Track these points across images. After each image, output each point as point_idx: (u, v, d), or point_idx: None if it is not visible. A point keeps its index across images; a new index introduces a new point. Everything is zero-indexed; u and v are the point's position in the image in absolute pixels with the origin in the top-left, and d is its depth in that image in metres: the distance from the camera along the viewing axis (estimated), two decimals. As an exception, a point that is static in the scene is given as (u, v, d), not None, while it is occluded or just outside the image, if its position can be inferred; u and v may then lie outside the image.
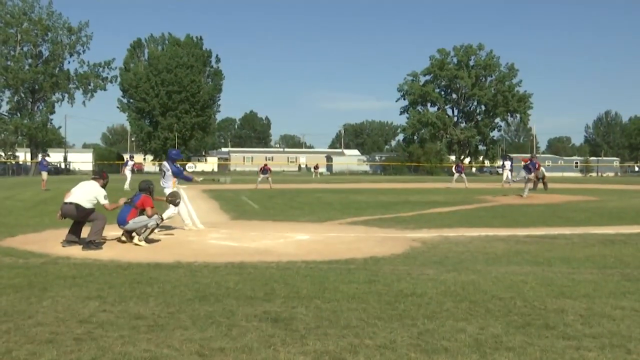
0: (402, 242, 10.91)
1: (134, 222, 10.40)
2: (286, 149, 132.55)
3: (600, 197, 25.44)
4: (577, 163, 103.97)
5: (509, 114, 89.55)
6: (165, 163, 13.12)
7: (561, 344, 4.76)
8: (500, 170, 41.35)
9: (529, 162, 24.32)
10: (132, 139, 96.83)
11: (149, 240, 10.54)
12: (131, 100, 78.10)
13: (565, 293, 6.59)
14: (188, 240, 11.10)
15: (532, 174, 23.84)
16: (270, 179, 34.24)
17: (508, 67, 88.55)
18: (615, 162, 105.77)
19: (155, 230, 11.09)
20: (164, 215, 11.93)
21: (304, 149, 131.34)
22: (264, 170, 34.93)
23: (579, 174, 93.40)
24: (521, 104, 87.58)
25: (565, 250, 9.92)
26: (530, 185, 24.04)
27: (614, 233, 12.48)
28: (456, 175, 38.19)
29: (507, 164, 38.90)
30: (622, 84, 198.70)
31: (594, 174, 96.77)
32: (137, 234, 10.39)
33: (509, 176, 37.57)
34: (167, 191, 12.72)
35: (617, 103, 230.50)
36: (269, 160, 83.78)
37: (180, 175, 13.02)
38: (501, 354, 4.54)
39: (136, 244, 10.23)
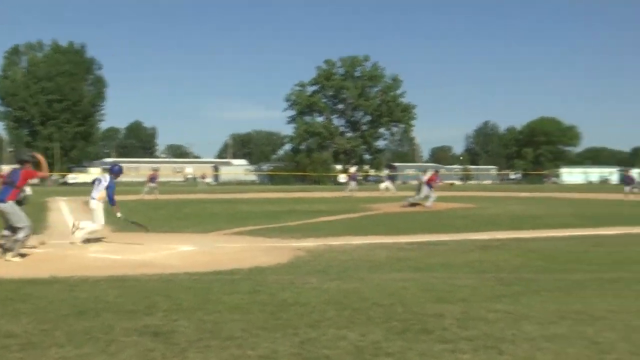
0: (287, 251, 10.95)
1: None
2: (172, 159, 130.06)
3: (478, 204, 26.65)
4: (457, 171, 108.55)
5: (393, 123, 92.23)
6: (106, 175, 12.76)
7: (438, 348, 4.92)
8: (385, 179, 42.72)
9: (435, 179, 25.46)
10: (10, 150, 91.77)
11: (22, 255, 10.00)
12: (9, 109, 74.33)
13: (444, 298, 6.82)
14: (67, 254, 10.63)
15: (432, 190, 24.78)
16: (156, 189, 33.62)
17: (392, 78, 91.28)
18: (493, 170, 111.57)
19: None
20: (83, 231, 11.72)
21: (190, 159, 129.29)
22: (153, 179, 34.26)
23: (459, 182, 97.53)
24: (405, 114, 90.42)
25: (445, 256, 10.31)
26: (434, 196, 24.90)
27: (491, 239, 13.12)
28: (352, 184, 39.16)
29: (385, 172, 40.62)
30: (499, 95, 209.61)
31: (473, 182, 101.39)
32: (9, 249, 9.84)
33: (389, 185, 39.29)
34: (93, 203, 12.34)
35: (495, 114, 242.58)
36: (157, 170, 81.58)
37: (110, 194, 12.41)
38: (381, 359, 4.64)
39: (7, 260, 9.67)
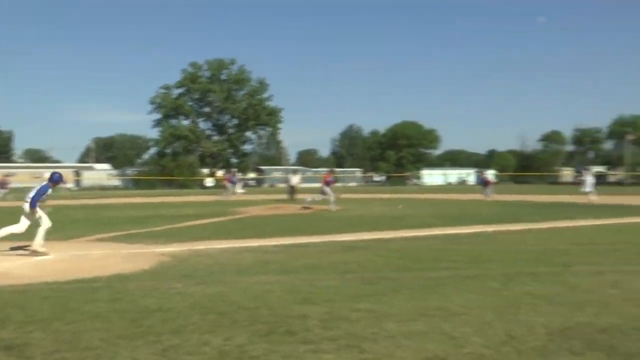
0: (151, 257, 10.66)
1: None
2: (30, 164, 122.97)
3: (344, 206, 27.24)
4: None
5: (260, 127, 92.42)
6: (44, 184, 11.96)
7: (302, 349, 4.97)
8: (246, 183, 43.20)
9: (329, 178, 26.10)
10: None
11: None
12: None
13: (309, 299, 6.90)
14: None
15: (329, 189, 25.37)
16: (10, 194, 31.78)
17: (259, 81, 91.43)
18: (358, 172, 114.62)
19: None
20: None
21: (50, 164, 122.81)
22: (3, 184, 32.47)
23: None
24: (271, 117, 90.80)
25: (311, 258, 10.43)
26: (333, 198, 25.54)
27: (355, 240, 13.47)
28: (231, 186, 39.70)
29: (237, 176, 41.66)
30: (364, 99, 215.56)
31: (339, 184, 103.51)
32: None
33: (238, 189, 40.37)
34: (25, 207, 11.68)
35: (360, 118, 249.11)
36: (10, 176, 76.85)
37: (35, 198, 11.74)
38: (245, 363, 4.63)
39: None
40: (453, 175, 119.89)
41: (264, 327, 5.64)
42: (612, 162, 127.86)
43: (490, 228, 16.01)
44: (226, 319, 5.93)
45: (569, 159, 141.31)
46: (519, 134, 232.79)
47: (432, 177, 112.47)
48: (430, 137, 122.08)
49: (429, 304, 6.57)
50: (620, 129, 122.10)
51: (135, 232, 15.69)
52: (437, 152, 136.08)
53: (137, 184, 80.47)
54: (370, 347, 5.02)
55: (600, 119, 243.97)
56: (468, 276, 8.40)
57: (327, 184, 26.17)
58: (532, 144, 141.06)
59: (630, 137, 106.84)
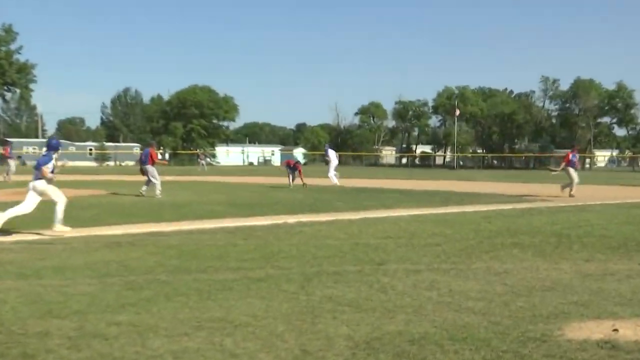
0: None
1: None
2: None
3: (112, 190, 26.61)
4: (91, 150, 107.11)
5: (6, 87, 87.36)
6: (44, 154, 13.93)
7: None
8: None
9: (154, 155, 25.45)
10: None
11: None
12: None
13: (54, 311, 6.58)
14: None
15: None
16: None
17: (4, 28, 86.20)
18: (136, 148, 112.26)
19: None
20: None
21: None
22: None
23: (94, 163, 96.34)
24: (22, 76, 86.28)
25: (60, 258, 10.01)
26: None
27: (123, 233, 13.21)
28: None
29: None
30: (142, 57, 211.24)
31: (112, 163, 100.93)
32: None
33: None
34: (30, 185, 13.46)
35: (138, 80, 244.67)
36: None
37: (38, 167, 13.43)
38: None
39: None
40: (255, 153, 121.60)
41: (-13, 350, 5.27)
42: (438, 141, 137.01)
43: (292, 219, 16.39)
44: None
45: (392, 137, 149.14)
46: (332, 105, 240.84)
47: (228, 155, 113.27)
48: (226, 107, 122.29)
49: (208, 314, 6.52)
50: (447, 102, 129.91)
51: None
52: (235, 125, 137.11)
53: None
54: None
55: (427, 91, 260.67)
56: (259, 278, 8.48)
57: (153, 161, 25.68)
58: (348, 117, 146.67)
59: (457, 112, 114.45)
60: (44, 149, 14.25)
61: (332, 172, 36.70)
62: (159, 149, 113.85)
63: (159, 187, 24.83)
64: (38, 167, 13.39)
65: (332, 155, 37.81)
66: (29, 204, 13.34)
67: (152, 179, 25.03)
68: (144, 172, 25.54)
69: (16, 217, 13.42)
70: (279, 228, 14.55)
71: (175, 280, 8.34)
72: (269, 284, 8.09)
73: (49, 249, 10.94)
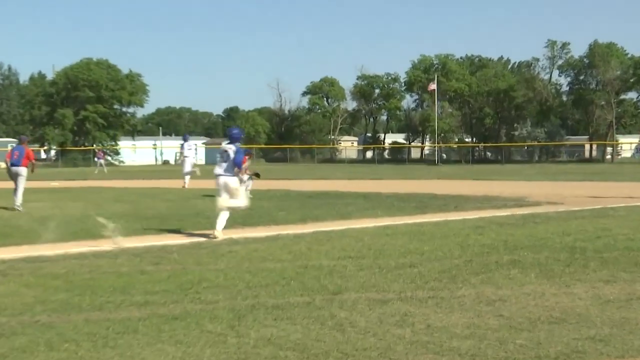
0: None
1: None
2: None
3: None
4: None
5: None
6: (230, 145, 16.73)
7: None
8: None
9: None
10: None
11: None
12: None
13: None
14: None
15: None
16: None
17: None
18: (12, 145, 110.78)
19: None
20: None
21: None
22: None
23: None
24: None
25: None
26: None
27: (-8, 260, 13.03)
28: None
29: None
30: (15, 25, 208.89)
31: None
32: None
33: None
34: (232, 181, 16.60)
35: (16, 57, 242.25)
36: None
37: (238, 164, 16.72)
38: None
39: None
40: (171, 149, 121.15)
41: None
42: (414, 128, 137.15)
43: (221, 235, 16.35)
44: None
45: (353, 123, 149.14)
46: (272, 83, 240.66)
47: (135, 152, 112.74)
48: (131, 88, 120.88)
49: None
50: (423, 76, 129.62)
51: None
52: (144, 112, 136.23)
53: None
54: None
55: (398, 63, 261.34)
56: (174, 316, 8.46)
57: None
58: (294, 99, 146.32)
59: (432, 87, 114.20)
60: (226, 142, 16.87)
61: (188, 170, 38.53)
62: (42, 145, 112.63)
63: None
64: (238, 164, 16.56)
65: (187, 148, 39.69)
66: (243, 198, 17.12)
67: (18, 184, 24.80)
68: (14, 177, 25.16)
69: None
70: (201, 248, 14.52)
71: (61, 321, 8.27)
72: (187, 324, 8.06)
73: None
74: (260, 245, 14.86)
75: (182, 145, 40.76)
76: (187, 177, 37.90)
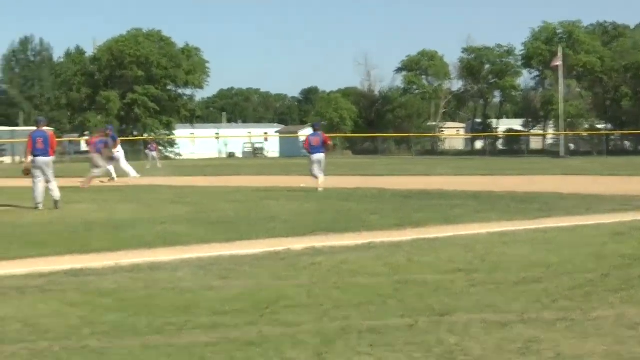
0: None
1: None
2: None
3: (6, 202, 26.72)
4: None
5: None
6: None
7: None
8: None
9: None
10: None
11: None
12: None
13: None
14: None
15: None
16: None
17: None
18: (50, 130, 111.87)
19: None
20: None
21: None
22: None
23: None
24: None
25: None
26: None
27: (28, 273, 13.25)
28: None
29: None
30: None
31: (7, 159, 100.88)
32: None
33: None
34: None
35: (45, 28, 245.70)
36: None
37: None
38: None
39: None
40: (238, 139, 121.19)
41: None
42: (534, 112, 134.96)
43: (299, 243, 16.37)
44: None
45: (459, 106, 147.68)
46: (360, 59, 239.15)
47: (194, 143, 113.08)
48: (189, 65, 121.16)
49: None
50: (545, 49, 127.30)
51: None
52: (204, 94, 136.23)
53: None
54: None
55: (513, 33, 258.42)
56: (248, 341, 8.45)
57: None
58: (385, 78, 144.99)
59: (557, 62, 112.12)
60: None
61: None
62: (83, 134, 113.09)
63: (44, 195, 25.16)
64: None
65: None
66: None
67: (50, 178, 25.14)
68: (41, 169, 25.40)
69: None
70: (278, 259, 14.57)
71: (114, 347, 8.36)
72: (265, 350, 8.09)
73: None
74: (350, 255, 14.88)
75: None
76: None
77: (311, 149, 32.87)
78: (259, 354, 7.96)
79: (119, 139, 40.86)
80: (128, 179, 40.99)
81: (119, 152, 42.79)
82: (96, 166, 34.81)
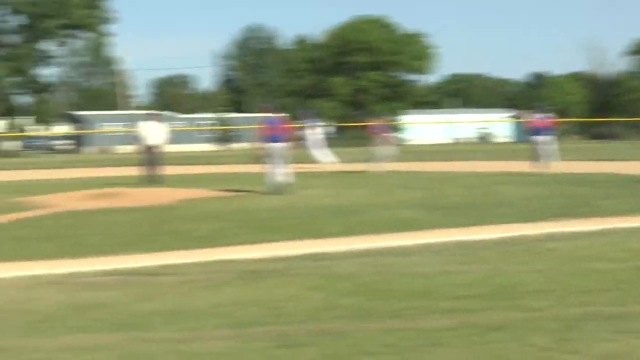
0: None
1: None
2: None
3: (240, 188, 27.30)
4: (212, 124, 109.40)
5: (72, 30, 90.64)
6: None
7: None
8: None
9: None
10: None
11: None
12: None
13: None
14: None
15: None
16: None
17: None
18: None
19: None
20: None
21: None
22: None
23: (209, 146, 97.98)
24: (92, 13, 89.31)
25: (175, 297, 10.40)
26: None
27: (264, 257, 13.65)
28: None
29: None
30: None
31: (238, 145, 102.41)
32: None
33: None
34: None
35: (269, 14, 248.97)
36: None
37: None
38: None
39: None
40: (465, 124, 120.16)
41: None
42: None
43: (533, 229, 16.45)
44: None
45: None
46: (585, 43, 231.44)
47: (421, 127, 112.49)
48: (413, 51, 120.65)
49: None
50: None
51: None
52: (431, 79, 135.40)
53: None
54: None
55: None
56: (490, 326, 8.46)
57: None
58: (609, 61, 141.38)
59: None
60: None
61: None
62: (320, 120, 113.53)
63: (278, 180, 25.95)
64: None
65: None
66: None
67: (283, 163, 25.71)
68: (279, 155, 25.93)
69: None
70: (514, 245, 14.51)
71: (354, 330, 8.48)
72: (505, 335, 8.08)
73: (156, 284, 11.37)
74: (584, 241, 14.71)
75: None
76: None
77: None
78: (499, 339, 7.94)
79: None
80: (322, 165, 41.69)
81: (318, 136, 43.80)
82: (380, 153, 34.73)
